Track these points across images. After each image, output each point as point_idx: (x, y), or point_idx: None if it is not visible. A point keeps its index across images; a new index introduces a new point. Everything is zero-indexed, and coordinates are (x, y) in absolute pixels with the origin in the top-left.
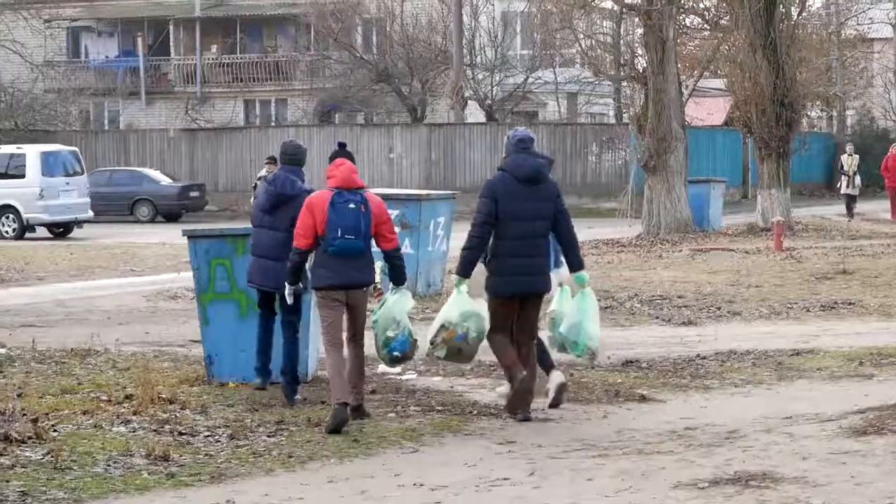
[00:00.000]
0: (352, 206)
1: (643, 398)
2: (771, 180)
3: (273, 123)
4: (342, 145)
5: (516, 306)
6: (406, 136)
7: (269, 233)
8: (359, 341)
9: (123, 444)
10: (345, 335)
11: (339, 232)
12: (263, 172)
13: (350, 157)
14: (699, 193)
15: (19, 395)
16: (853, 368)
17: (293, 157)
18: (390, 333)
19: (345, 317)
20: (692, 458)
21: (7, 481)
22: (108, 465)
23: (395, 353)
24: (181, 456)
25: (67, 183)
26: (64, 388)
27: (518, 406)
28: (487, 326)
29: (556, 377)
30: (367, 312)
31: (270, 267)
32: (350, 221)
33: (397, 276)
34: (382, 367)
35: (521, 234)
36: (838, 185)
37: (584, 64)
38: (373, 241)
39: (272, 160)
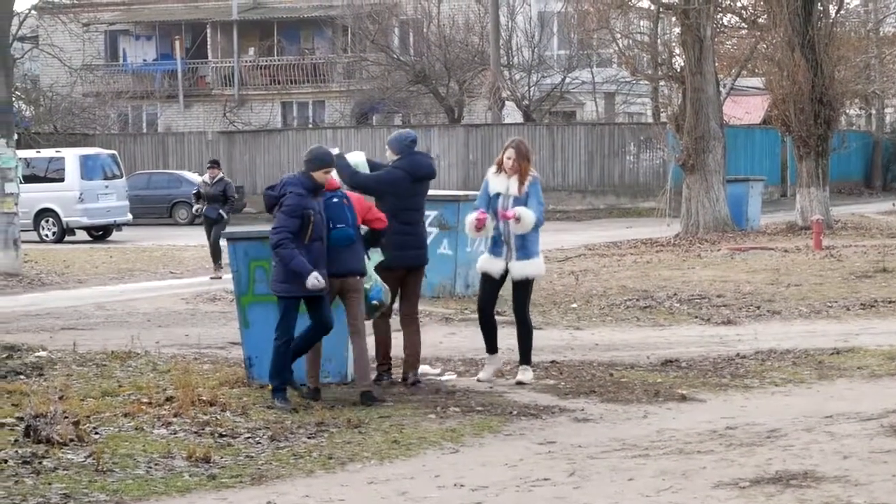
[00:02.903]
0: (335, 200)
1: (683, 398)
2: (810, 178)
3: (311, 125)
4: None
5: (400, 279)
6: (444, 137)
7: None
8: (359, 330)
9: (164, 446)
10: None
11: (332, 223)
12: (206, 178)
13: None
14: (738, 192)
15: (61, 398)
16: (894, 367)
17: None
18: (367, 286)
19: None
20: (733, 457)
21: (49, 483)
22: (150, 467)
23: (374, 302)
24: (222, 458)
25: (106, 186)
26: (105, 391)
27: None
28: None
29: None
30: None
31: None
32: (338, 213)
33: (375, 240)
34: (423, 368)
35: (409, 220)
36: None
37: (622, 64)
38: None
39: (214, 164)
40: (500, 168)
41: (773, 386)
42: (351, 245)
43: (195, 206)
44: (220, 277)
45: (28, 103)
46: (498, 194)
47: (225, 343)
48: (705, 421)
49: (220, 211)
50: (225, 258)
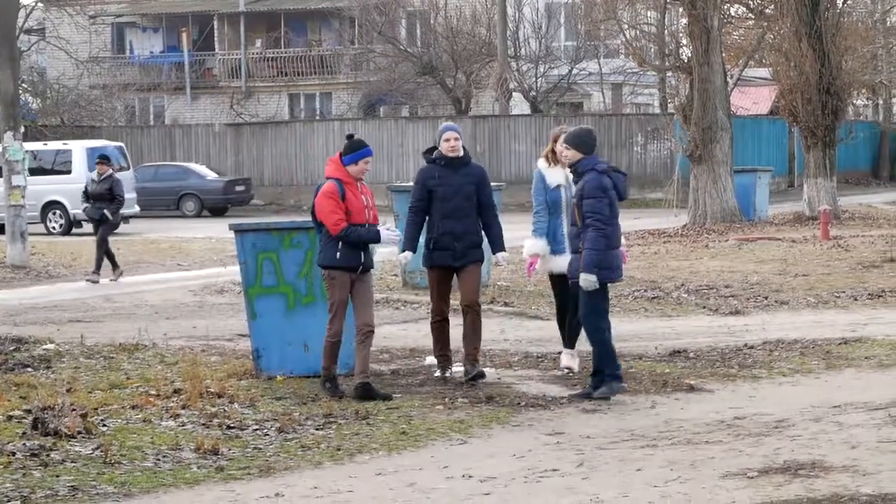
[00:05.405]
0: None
1: (691, 388)
2: (817, 169)
3: (318, 117)
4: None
5: None
6: None
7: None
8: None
9: (172, 439)
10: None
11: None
12: (94, 175)
13: None
14: (745, 183)
15: (68, 391)
16: None
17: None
18: None
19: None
20: (741, 447)
21: (57, 476)
22: (158, 460)
23: None
24: (230, 450)
25: None
26: (112, 383)
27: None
28: None
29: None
30: None
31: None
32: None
33: None
34: (429, 360)
35: None
36: None
37: (629, 54)
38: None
39: (103, 160)
40: (549, 159)
41: (780, 376)
42: None
43: (83, 205)
44: (98, 282)
45: (35, 96)
46: (559, 186)
47: (233, 335)
48: (713, 411)
49: (105, 211)
50: (232, 250)
